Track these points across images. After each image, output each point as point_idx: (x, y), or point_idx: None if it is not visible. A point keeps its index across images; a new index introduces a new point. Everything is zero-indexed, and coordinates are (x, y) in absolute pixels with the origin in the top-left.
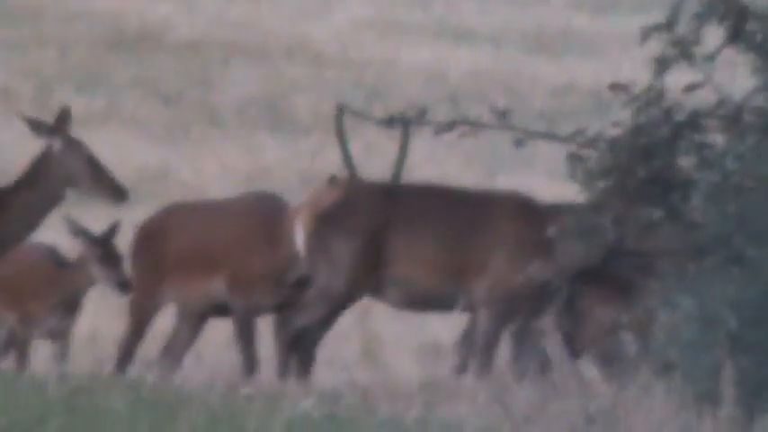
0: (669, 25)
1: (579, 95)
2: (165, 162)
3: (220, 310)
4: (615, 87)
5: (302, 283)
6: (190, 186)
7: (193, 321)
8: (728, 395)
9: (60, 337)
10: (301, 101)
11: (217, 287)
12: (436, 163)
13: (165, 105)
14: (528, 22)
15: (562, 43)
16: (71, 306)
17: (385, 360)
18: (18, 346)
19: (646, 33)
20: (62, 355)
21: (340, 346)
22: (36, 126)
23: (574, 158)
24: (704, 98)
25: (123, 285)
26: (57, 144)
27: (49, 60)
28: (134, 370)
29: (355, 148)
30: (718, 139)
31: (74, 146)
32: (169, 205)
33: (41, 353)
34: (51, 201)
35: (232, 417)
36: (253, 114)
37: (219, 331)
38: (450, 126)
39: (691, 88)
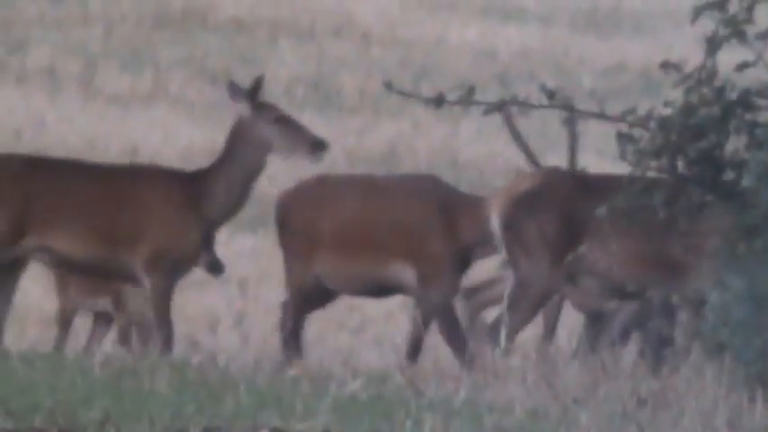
0: (721, 4)
1: (630, 75)
2: (212, 141)
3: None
4: (666, 66)
5: None
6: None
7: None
8: None
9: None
10: (348, 80)
11: (394, 273)
12: (485, 142)
13: (212, 84)
14: (578, 1)
15: (612, 22)
16: None
17: (433, 341)
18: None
19: (697, 12)
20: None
21: (387, 327)
22: (234, 91)
23: (624, 138)
24: (756, 77)
25: (215, 267)
26: (245, 111)
27: (94, 38)
28: (179, 350)
29: (403, 127)
30: None
31: (263, 110)
32: (318, 176)
33: (85, 333)
34: (253, 171)
35: (278, 399)
36: (299, 93)
37: (268, 313)
38: (498, 106)
39: (742, 67)
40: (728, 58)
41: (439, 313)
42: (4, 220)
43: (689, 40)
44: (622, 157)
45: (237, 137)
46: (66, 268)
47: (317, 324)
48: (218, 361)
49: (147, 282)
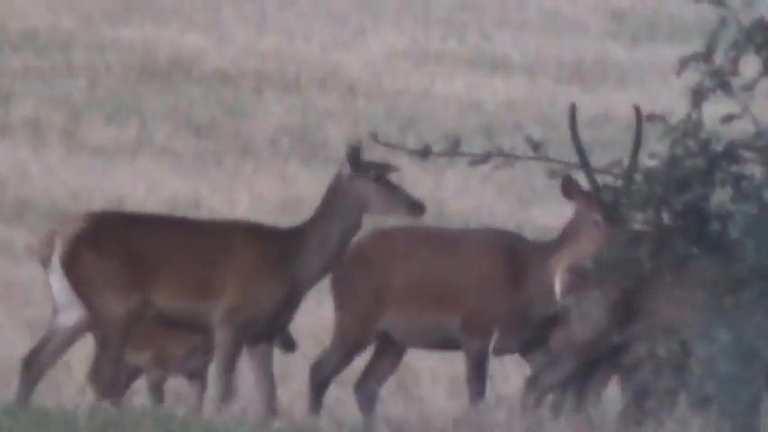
0: (706, 55)
1: (615, 126)
2: (197, 192)
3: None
4: (652, 118)
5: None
6: (222, 216)
7: (398, 352)
8: (766, 429)
9: (197, 376)
10: (334, 131)
11: (450, 324)
12: (470, 194)
13: (197, 136)
14: (564, 52)
15: (598, 73)
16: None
17: (419, 393)
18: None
19: (683, 63)
20: (199, 395)
21: None
22: (354, 161)
23: (609, 190)
24: (742, 129)
25: (287, 343)
26: (345, 169)
27: (78, 90)
28: (165, 402)
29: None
30: (755, 170)
31: (362, 170)
32: (383, 229)
33: (69, 385)
34: (349, 230)
35: None
36: (285, 145)
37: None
38: (484, 157)
39: (728, 119)
40: (714, 110)
41: (473, 361)
42: (115, 274)
43: (674, 92)
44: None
45: (335, 195)
46: (159, 321)
47: (301, 377)
48: (203, 413)
49: (218, 334)
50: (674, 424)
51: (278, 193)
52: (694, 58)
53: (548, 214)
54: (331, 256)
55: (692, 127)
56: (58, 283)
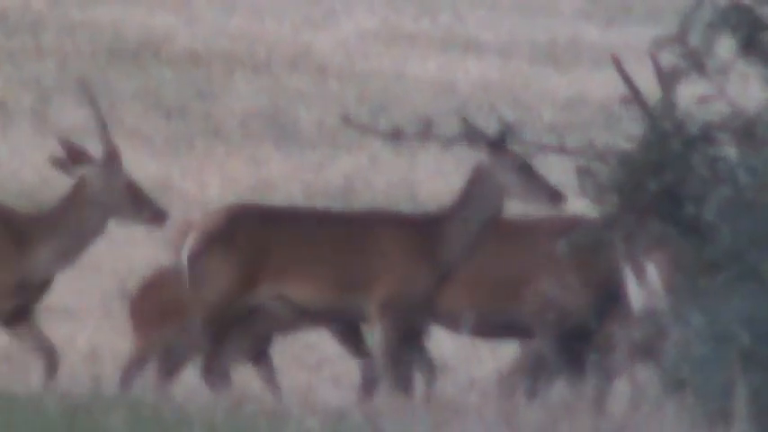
0: (681, 36)
1: (589, 108)
2: (168, 175)
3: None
4: (626, 100)
5: None
6: (192, 200)
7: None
8: (741, 413)
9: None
10: (305, 113)
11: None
12: (443, 177)
13: (167, 118)
14: (537, 34)
15: (572, 55)
16: None
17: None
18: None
19: (657, 45)
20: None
21: (345, 364)
22: (473, 134)
23: (584, 172)
24: (717, 111)
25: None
26: (487, 157)
27: (47, 72)
28: (135, 388)
29: (361, 161)
30: (730, 152)
31: (506, 157)
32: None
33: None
34: (489, 217)
35: None
36: (256, 127)
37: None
38: (457, 139)
39: (703, 101)
40: (689, 91)
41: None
42: (239, 269)
43: (649, 74)
44: (582, 191)
45: (477, 182)
46: (297, 315)
47: (274, 361)
48: (175, 398)
49: (378, 326)
50: (648, 407)
51: (250, 175)
52: (668, 39)
53: None
54: (472, 242)
55: (666, 109)
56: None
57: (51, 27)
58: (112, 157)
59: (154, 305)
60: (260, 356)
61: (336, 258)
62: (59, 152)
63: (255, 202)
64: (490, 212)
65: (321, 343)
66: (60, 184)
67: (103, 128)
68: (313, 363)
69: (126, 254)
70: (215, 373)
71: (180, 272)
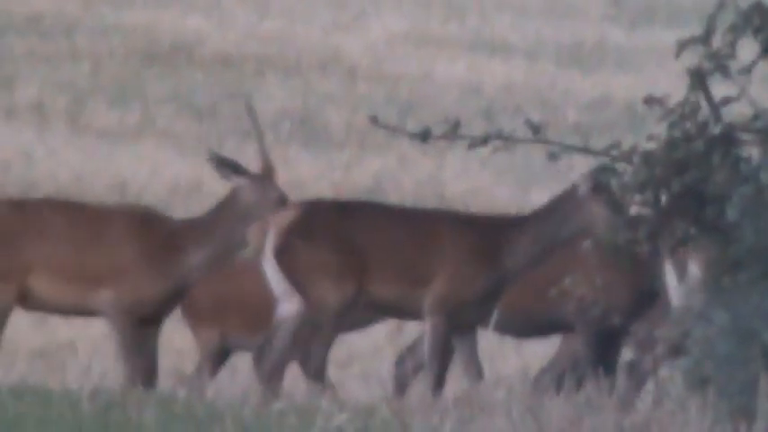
0: (704, 38)
1: (614, 109)
2: (199, 176)
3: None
4: (650, 101)
5: None
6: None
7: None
8: (764, 410)
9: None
10: (335, 115)
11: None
12: (470, 177)
13: (199, 119)
14: (563, 36)
15: (597, 57)
16: None
17: (419, 374)
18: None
19: (681, 46)
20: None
21: (374, 360)
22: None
23: (608, 172)
24: (739, 112)
25: None
26: (584, 187)
27: (82, 74)
28: (166, 383)
29: (389, 161)
30: (753, 152)
31: (600, 195)
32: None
33: (74, 366)
34: (560, 240)
35: (265, 431)
36: (286, 128)
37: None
38: (484, 140)
39: (726, 102)
40: (712, 92)
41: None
42: (330, 261)
43: (673, 75)
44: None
45: (566, 202)
46: (370, 308)
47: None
48: (206, 394)
49: (428, 321)
50: (672, 404)
51: (280, 175)
52: (692, 41)
53: (547, 196)
54: (540, 254)
55: (690, 110)
56: (273, 274)
57: (85, 30)
58: (268, 171)
59: (211, 303)
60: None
61: (404, 253)
62: (213, 162)
63: (326, 198)
64: (566, 234)
65: (350, 339)
66: (94, 182)
67: (261, 141)
68: (343, 359)
69: None
70: (315, 364)
71: (253, 269)
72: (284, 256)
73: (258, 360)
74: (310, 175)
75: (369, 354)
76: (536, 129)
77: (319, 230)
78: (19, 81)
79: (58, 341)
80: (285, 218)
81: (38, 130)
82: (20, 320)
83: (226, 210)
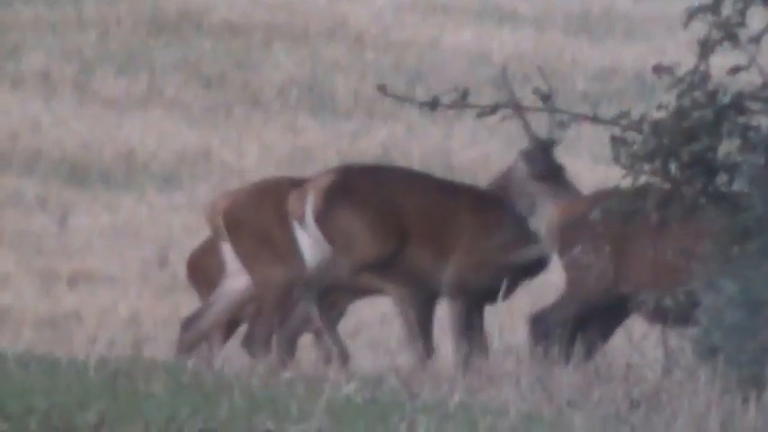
0: (714, 7)
1: (623, 78)
2: (207, 144)
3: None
4: (659, 70)
5: None
6: (231, 169)
7: None
8: None
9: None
10: (342, 83)
11: None
12: (478, 146)
13: (206, 88)
14: (571, 5)
15: (606, 25)
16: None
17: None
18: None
19: (690, 15)
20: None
21: (382, 330)
22: None
23: (617, 141)
24: (749, 80)
25: None
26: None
27: (89, 42)
28: (174, 354)
29: (397, 130)
30: (762, 121)
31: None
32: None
33: (80, 335)
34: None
35: (273, 401)
36: (293, 96)
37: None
38: (492, 109)
39: (735, 70)
40: (721, 61)
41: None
42: (373, 222)
43: (682, 44)
44: (615, 160)
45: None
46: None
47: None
48: (213, 364)
49: (447, 297)
50: (681, 373)
51: (287, 144)
52: (701, 9)
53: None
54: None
55: (699, 79)
56: (308, 241)
57: None
58: (544, 147)
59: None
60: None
61: (432, 223)
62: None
63: (361, 162)
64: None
65: (358, 308)
66: (101, 150)
67: (527, 126)
68: (350, 328)
69: (165, 222)
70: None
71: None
72: (325, 218)
73: (277, 329)
74: (318, 143)
75: (377, 323)
76: (545, 97)
77: (359, 191)
78: (25, 49)
79: (65, 310)
80: (323, 182)
81: (45, 98)
82: (26, 289)
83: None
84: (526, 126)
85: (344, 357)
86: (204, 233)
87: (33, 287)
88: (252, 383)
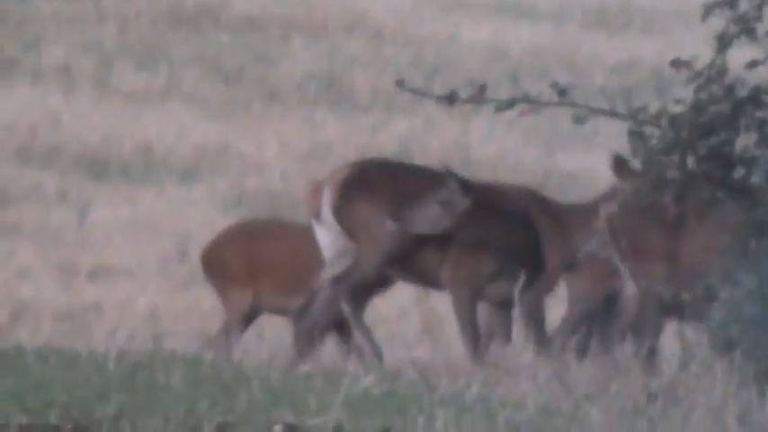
0: (731, 2)
1: (640, 72)
2: (225, 138)
3: None
4: (677, 64)
5: None
6: (249, 163)
7: None
8: None
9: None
10: (360, 77)
11: None
12: (496, 140)
13: (225, 82)
14: None
15: (623, 20)
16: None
17: (445, 337)
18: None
19: (708, 10)
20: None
21: (400, 323)
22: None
23: (635, 136)
24: (766, 75)
25: None
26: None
27: (108, 36)
28: (194, 347)
29: (415, 124)
30: None
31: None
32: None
33: (99, 329)
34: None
35: (291, 394)
36: (312, 91)
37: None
38: (510, 103)
39: (753, 65)
40: (739, 55)
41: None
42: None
43: (699, 38)
44: (633, 154)
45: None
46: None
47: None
48: (232, 357)
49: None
50: (698, 366)
51: (305, 138)
52: (719, 4)
53: (573, 160)
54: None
55: (716, 73)
56: (326, 235)
57: None
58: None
59: (244, 264)
60: (343, 322)
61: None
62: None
63: (377, 158)
64: None
65: (375, 302)
66: (121, 144)
67: None
68: (368, 322)
69: (184, 216)
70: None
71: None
72: (343, 212)
73: (296, 322)
74: (336, 137)
75: (394, 317)
76: (562, 92)
77: (374, 184)
78: (45, 44)
79: (84, 303)
80: (340, 176)
81: (64, 92)
82: (45, 283)
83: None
84: None
85: (378, 354)
86: (222, 226)
87: (53, 281)
88: (270, 376)
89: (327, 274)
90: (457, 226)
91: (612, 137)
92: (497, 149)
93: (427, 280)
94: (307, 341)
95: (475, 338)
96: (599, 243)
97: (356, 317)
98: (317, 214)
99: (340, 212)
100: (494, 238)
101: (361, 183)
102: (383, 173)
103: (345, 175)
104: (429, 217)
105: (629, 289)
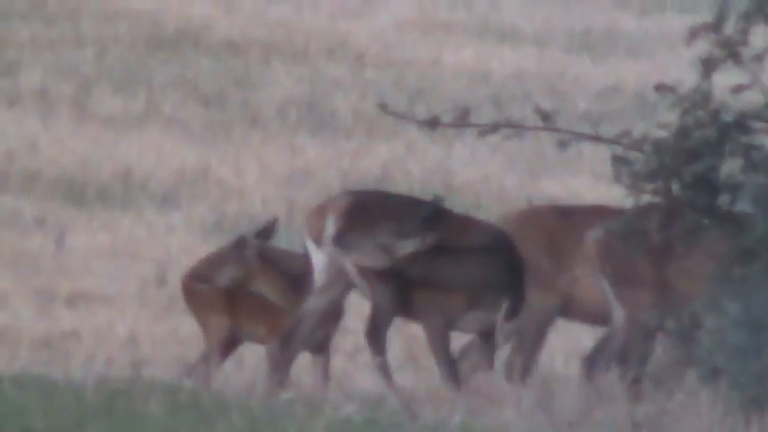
0: (716, 25)
1: (624, 97)
2: (205, 163)
3: None
4: (661, 88)
5: None
6: (229, 188)
7: None
8: None
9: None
10: (342, 102)
11: None
12: (479, 165)
13: (205, 106)
14: (572, 23)
15: (607, 44)
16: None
17: (428, 365)
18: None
19: (692, 34)
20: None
21: None
22: None
23: (619, 161)
24: (751, 100)
25: None
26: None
27: (86, 60)
28: (173, 374)
29: (397, 149)
30: (765, 140)
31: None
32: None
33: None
34: None
35: (272, 422)
36: (293, 115)
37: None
38: (493, 128)
39: (738, 90)
40: (724, 80)
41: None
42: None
43: (684, 63)
44: (617, 179)
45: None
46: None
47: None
48: (212, 384)
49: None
50: (683, 395)
51: (286, 163)
52: (704, 28)
53: (557, 185)
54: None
55: (701, 97)
56: (323, 262)
57: (90, 15)
58: None
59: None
60: (321, 347)
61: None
62: None
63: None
64: None
65: (357, 329)
66: (99, 169)
67: None
68: (350, 349)
69: (163, 242)
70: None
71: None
72: (344, 240)
73: (275, 349)
74: (318, 162)
75: None
76: (546, 116)
77: (375, 214)
78: (22, 67)
79: (62, 330)
80: (341, 204)
81: (42, 117)
82: (23, 309)
83: None
84: None
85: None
86: (202, 252)
87: (30, 307)
88: (251, 404)
89: (314, 300)
90: (424, 261)
91: (597, 162)
92: (480, 174)
93: (401, 311)
94: (285, 369)
95: (452, 367)
96: (587, 268)
97: (385, 368)
98: (317, 239)
99: (340, 241)
100: (461, 273)
101: (363, 210)
102: (378, 201)
103: (346, 205)
104: (369, 252)
105: (618, 315)
